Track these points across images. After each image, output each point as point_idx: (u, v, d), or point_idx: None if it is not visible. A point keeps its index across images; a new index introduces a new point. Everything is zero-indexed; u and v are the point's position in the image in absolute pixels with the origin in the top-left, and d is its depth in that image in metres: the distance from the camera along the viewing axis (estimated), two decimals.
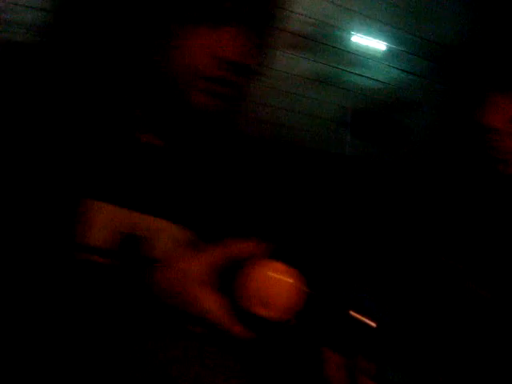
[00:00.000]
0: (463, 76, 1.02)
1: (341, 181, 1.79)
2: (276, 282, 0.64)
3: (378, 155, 2.10)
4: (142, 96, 0.81)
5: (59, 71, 0.80)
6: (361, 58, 2.01)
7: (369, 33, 1.98)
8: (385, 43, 2.01)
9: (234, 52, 0.76)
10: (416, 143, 2.13)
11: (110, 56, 0.79)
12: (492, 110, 0.83)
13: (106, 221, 0.78)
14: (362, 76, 2.03)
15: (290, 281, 0.63)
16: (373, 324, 0.63)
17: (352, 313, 0.65)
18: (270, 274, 0.63)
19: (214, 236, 0.81)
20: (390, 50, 2.02)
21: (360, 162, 1.98)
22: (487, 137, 0.85)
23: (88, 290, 0.68)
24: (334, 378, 0.64)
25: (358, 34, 1.96)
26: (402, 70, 2.05)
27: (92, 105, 0.79)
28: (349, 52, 1.98)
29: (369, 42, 2.00)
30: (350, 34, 1.95)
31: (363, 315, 0.63)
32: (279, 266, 0.63)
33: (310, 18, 1.88)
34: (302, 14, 1.84)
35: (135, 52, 0.78)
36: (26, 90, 0.77)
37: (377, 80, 2.04)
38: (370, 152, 2.11)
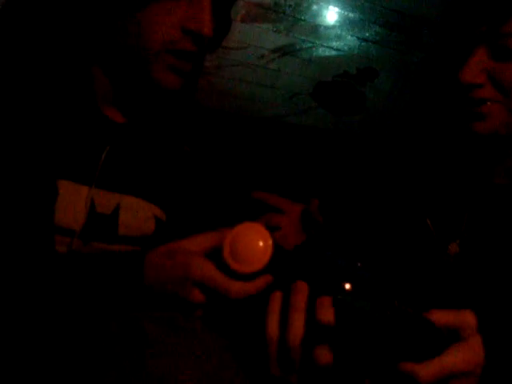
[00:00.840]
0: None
1: (304, 151, 1.82)
2: (249, 241, 0.68)
3: (339, 124, 2.13)
4: (105, 69, 0.81)
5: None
6: (322, 27, 2.02)
7: (329, 2, 1.99)
8: (345, 12, 2.02)
9: (201, 25, 0.72)
10: (375, 111, 2.17)
11: (73, 26, 0.75)
12: (467, 65, 0.83)
13: (71, 200, 0.77)
14: (324, 46, 2.05)
15: (262, 240, 0.67)
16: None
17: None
18: (244, 234, 0.68)
19: (183, 213, 0.82)
20: (350, 19, 2.04)
21: (321, 132, 2.01)
22: (464, 92, 0.85)
23: (69, 275, 0.68)
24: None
25: (319, 4, 1.97)
26: (363, 39, 2.07)
27: (53, 77, 0.77)
28: (310, 22, 1.99)
29: (329, 11, 2.01)
30: (310, 3, 1.96)
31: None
32: (255, 227, 0.69)
33: None
34: None
35: (99, 24, 0.74)
36: None
37: (337, 49, 2.06)
38: (332, 122, 2.13)
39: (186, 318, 0.66)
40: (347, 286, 0.62)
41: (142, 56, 0.74)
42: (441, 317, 0.62)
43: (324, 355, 0.61)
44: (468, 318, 0.63)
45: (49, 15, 0.75)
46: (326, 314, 0.61)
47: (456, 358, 0.61)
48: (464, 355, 0.61)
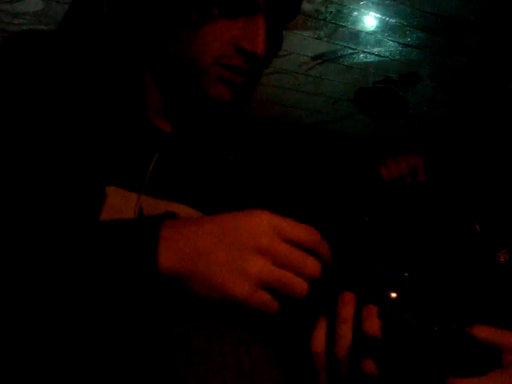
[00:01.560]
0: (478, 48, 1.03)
1: (345, 158, 1.81)
2: None
3: (381, 131, 2.11)
4: (157, 79, 0.82)
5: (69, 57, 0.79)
6: (363, 33, 2.01)
7: (370, 8, 1.98)
8: (386, 17, 2.01)
9: (254, 45, 0.73)
10: (417, 117, 2.14)
11: (131, 35, 0.76)
12: None
13: (120, 206, 0.78)
14: (365, 52, 2.04)
15: None
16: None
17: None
18: None
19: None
20: (390, 25, 2.03)
21: (363, 139, 2.00)
22: None
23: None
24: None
25: (359, 10, 1.97)
26: (404, 44, 2.06)
27: (108, 83, 0.79)
28: (350, 28, 1.99)
29: (370, 17, 2.00)
30: (351, 10, 1.95)
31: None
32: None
33: None
34: None
35: (157, 34, 0.76)
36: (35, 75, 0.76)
37: (378, 55, 2.05)
38: (373, 128, 2.12)
39: (231, 326, 0.61)
40: (393, 296, 0.62)
41: (194, 67, 0.76)
42: (487, 334, 0.62)
43: (370, 366, 0.61)
44: None
45: (109, 22, 0.77)
46: (373, 325, 0.61)
47: (496, 382, 0.60)
48: (506, 381, 0.61)
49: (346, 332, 0.63)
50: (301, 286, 0.61)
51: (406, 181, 1.18)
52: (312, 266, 0.62)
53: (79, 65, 0.79)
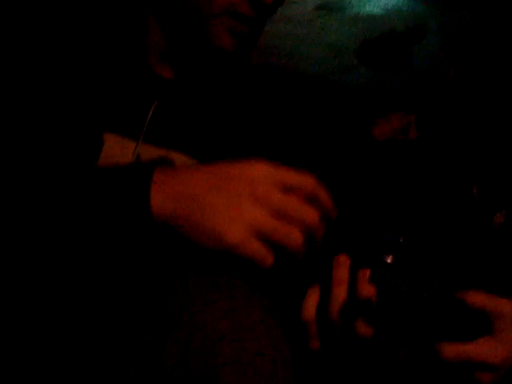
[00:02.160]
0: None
1: (346, 110, 1.79)
2: None
3: (384, 84, 2.09)
4: (161, 24, 0.81)
5: None
6: None
7: None
8: None
9: None
10: (421, 71, 2.12)
11: None
12: None
13: (117, 153, 0.78)
14: (371, 3, 2.00)
15: None
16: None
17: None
18: None
19: None
20: None
21: (366, 92, 1.98)
22: None
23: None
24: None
25: None
26: None
27: (107, 28, 0.78)
28: None
29: None
30: None
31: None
32: None
33: None
34: None
35: None
36: None
37: (384, 7, 2.01)
38: (376, 81, 2.10)
39: (229, 277, 0.61)
40: (389, 260, 0.62)
41: (200, 15, 0.75)
42: (477, 300, 0.62)
43: (364, 329, 0.62)
44: (505, 308, 0.63)
45: None
46: (366, 289, 0.61)
47: (484, 347, 0.61)
48: (493, 347, 0.62)
49: (340, 294, 0.63)
50: (297, 237, 0.60)
51: (399, 139, 1.18)
52: (310, 214, 0.61)
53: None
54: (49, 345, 0.58)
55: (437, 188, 0.98)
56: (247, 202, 0.58)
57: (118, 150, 0.78)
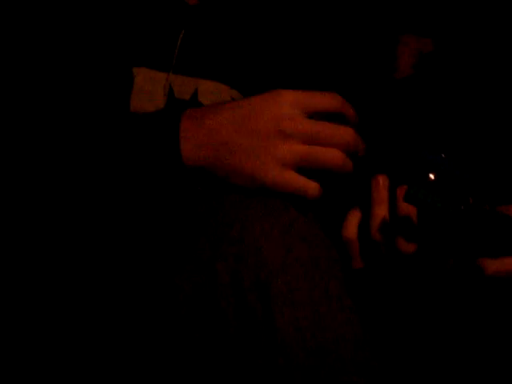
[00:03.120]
0: None
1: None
2: None
3: None
4: None
5: None
6: None
7: None
8: None
9: None
10: None
11: None
12: None
13: (149, 87, 0.77)
14: None
15: None
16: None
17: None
18: None
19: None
20: None
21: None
22: None
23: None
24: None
25: None
26: None
27: None
28: None
29: None
30: None
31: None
32: None
33: None
34: None
35: None
36: None
37: None
38: None
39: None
40: (432, 178, 0.60)
41: None
42: None
43: (406, 246, 0.62)
44: None
45: None
46: (406, 205, 0.61)
47: None
48: None
49: (380, 213, 0.63)
50: (336, 155, 0.60)
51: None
52: (344, 131, 0.60)
53: None
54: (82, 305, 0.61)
55: (476, 105, 0.95)
56: (276, 140, 0.58)
57: (149, 84, 0.77)
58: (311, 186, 0.60)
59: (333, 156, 0.60)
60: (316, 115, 0.60)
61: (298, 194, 0.59)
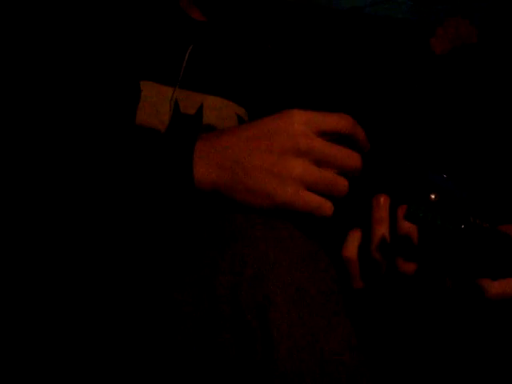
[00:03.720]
0: None
1: (382, 44, 1.73)
2: None
3: (421, 15, 2.01)
4: None
5: None
6: None
7: None
8: None
9: None
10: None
11: None
12: None
13: (155, 101, 0.78)
14: None
15: None
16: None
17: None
18: None
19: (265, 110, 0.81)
20: None
21: (406, 24, 1.90)
22: None
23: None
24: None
25: None
26: None
27: None
28: None
29: None
30: None
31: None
32: None
33: None
34: None
35: None
36: None
37: None
38: (412, 11, 2.01)
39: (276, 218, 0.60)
40: (433, 197, 0.60)
41: None
42: None
43: (405, 265, 0.62)
44: None
45: None
46: (406, 224, 0.61)
47: None
48: None
49: (380, 232, 0.63)
50: (343, 183, 0.60)
51: (458, 46, 1.11)
52: (352, 157, 0.61)
53: None
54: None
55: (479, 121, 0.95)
56: (291, 157, 0.57)
57: (155, 97, 0.78)
58: (327, 206, 0.59)
59: (343, 185, 0.60)
60: (326, 136, 0.60)
61: (314, 212, 0.59)
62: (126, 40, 0.76)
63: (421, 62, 1.16)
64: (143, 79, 0.77)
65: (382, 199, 0.65)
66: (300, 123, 0.58)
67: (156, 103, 0.78)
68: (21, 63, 0.71)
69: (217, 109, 0.82)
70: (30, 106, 0.70)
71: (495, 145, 0.93)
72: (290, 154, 0.58)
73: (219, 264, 0.55)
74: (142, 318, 0.58)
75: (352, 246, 0.66)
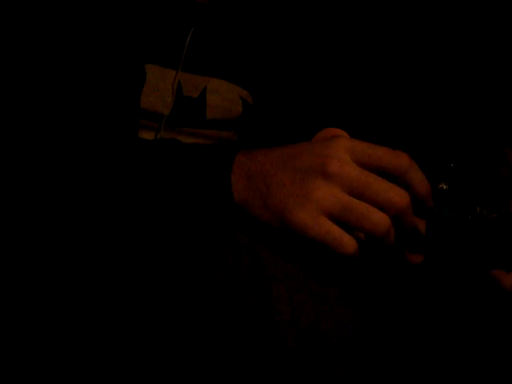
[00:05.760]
0: None
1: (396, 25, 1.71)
2: None
3: None
4: None
5: None
6: None
7: None
8: None
9: None
10: None
11: None
12: None
13: (159, 84, 0.78)
14: None
15: None
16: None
17: None
18: None
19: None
20: None
21: None
22: None
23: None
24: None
25: None
26: None
27: None
28: None
29: None
30: None
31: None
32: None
33: None
34: None
35: None
36: None
37: None
38: None
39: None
40: (439, 187, 0.59)
41: None
42: None
43: (414, 256, 0.59)
44: None
45: None
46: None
47: None
48: None
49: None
50: (382, 218, 0.51)
51: None
52: (399, 192, 0.51)
53: None
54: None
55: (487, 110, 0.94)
56: (317, 178, 0.51)
57: (158, 80, 0.78)
58: (347, 242, 0.51)
59: (379, 219, 0.51)
60: (371, 170, 0.52)
61: (329, 245, 0.51)
62: (128, 23, 0.76)
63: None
64: (146, 62, 0.77)
65: None
66: (340, 148, 0.52)
67: (159, 86, 0.78)
68: (24, 45, 0.71)
69: (220, 92, 0.82)
70: (32, 95, 0.70)
71: (503, 134, 0.92)
72: (317, 175, 0.51)
73: (217, 254, 0.55)
74: (145, 305, 0.58)
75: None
